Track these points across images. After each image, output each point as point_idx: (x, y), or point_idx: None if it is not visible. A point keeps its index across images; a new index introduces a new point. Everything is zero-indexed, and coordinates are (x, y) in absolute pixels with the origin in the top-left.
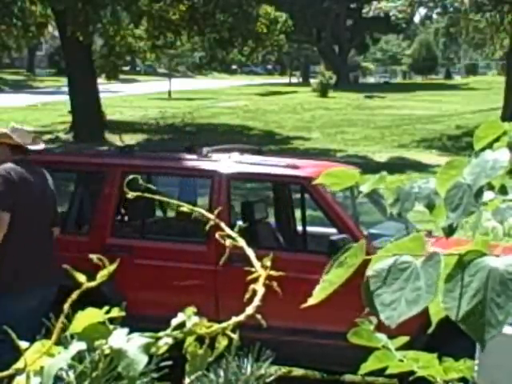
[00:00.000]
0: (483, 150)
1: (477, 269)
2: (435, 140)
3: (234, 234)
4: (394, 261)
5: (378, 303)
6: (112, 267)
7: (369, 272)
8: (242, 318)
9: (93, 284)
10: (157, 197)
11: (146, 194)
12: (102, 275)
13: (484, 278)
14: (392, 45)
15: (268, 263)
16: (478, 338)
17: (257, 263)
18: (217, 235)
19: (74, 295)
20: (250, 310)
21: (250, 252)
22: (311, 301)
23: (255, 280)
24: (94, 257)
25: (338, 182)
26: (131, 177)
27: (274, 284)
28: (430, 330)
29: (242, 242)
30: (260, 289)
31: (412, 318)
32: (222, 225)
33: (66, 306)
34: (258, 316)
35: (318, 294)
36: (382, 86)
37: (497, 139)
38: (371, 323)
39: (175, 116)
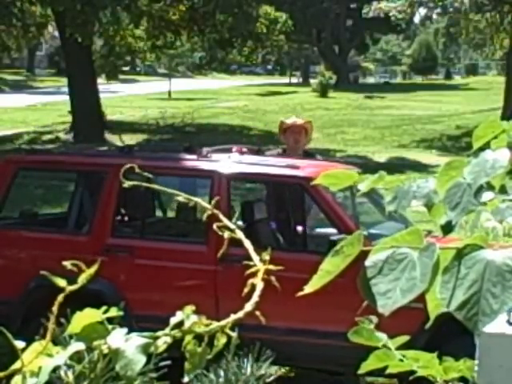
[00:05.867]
0: (482, 149)
1: (474, 261)
2: (435, 140)
3: (232, 226)
4: (391, 252)
5: (374, 292)
6: (92, 270)
7: (367, 262)
8: (240, 314)
9: (75, 287)
10: (154, 186)
11: (144, 184)
12: (82, 278)
13: (481, 269)
14: (392, 45)
15: (267, 257)
16: (472, 326)
17: (256, 257)
18: (214, 226)
19: (60, 298)
20: (248, 306)
21: (249, 244)
22: (308, 289)
23: (254, 275)
24: (67, 263)
25: (337, 182)
26: (127, 166)
27: (273, 278)
28: (428, 326)
29: (240, 234)
30: (259, 283)
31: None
32: (221, 215)
33: (54, 309)
34: (257, 313)
35: (314, 283)
36: (382, 87)
37: (495, 138)
38: (371, 322)
39: (175, 116)
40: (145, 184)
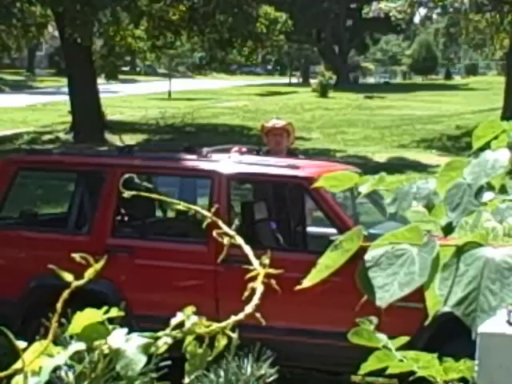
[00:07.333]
0: (482, 149)
1: (474, 258)
2: (435, 140)
3: (231, 232)
4: (390, 248)
5: (372, 285)
6: (99, 265)
7: (366, 256)
8: (241, 316)
9: (81, 282)
10: (153, 195)
11: (142, 193)
12: (89, 273)
13: (480, 266)
14: (392, 45)
15: (267, 261)
16: (470, 322)
17: (255, 261)
18: (214, 233)
19: (65, 294)
20: (249, 308)
21: (248, 250)
22: (305, 283)
23: (254, 278)
24: (76, 256)
25: (338, 184)
26: (127, 176)
27: (273, 282)
28: (427, 323)
29: (239, 240)
30: (259, 287)
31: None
32: (220, 223)
33: (59, 306)
34: (258, 314)
35: (312, 277)
36: (382, 86)
37: (495, 138)
38: (371, 323)
39: (175, 116)
40: (144, 194)
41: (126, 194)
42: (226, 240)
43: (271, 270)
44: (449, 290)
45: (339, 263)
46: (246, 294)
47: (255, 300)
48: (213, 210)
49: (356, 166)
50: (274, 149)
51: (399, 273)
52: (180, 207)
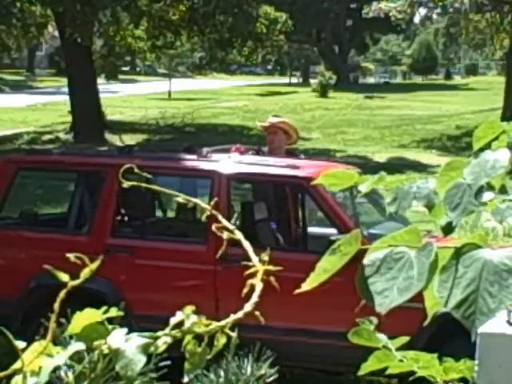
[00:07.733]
0: (482, 150)
1: (472, 260)
2: (435, 140)
3: (231, 227)
4: (389, 251)
5: (371, 291)
6: (94, 265)
7: (365, 261)
8: (240, 315)
9: (77, 282)
10: (153, 187)
11: (142, 184)
12: (84, 273)
13: (479, 268)
14: (392, 45)
15: (266, 258)
16: (469, 325)
17: (255, 257)
18: (213, 227)
19: (62, 294)
20: (248, 306)
21: (248, 245)
22: (304, 287)
23: (253, 275)
24: (71, 256)
25: (337, 182)
26: (126, 166)
27: (272, 279)
28: (426, 323)
29: (239, 235)
30: (258, 284)
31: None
32: (220, 217)
33: (56, 306)
34: (257, 313)
35: (311, 281)
36: (382, 87)
37: (495, 139)
38: (371, 323)
39: (175, 116)
40: (144, 185)
41: (126, 184)
42: (225, 235)
43: (270, 267)
44: (448, 292)
45: (338, 267)
46: (245, 290)
47: (254, 298)
48: (212, 203)
49: (356, 166)
50: (269, 147)
51: (398, 277)
52: (179, 199)
